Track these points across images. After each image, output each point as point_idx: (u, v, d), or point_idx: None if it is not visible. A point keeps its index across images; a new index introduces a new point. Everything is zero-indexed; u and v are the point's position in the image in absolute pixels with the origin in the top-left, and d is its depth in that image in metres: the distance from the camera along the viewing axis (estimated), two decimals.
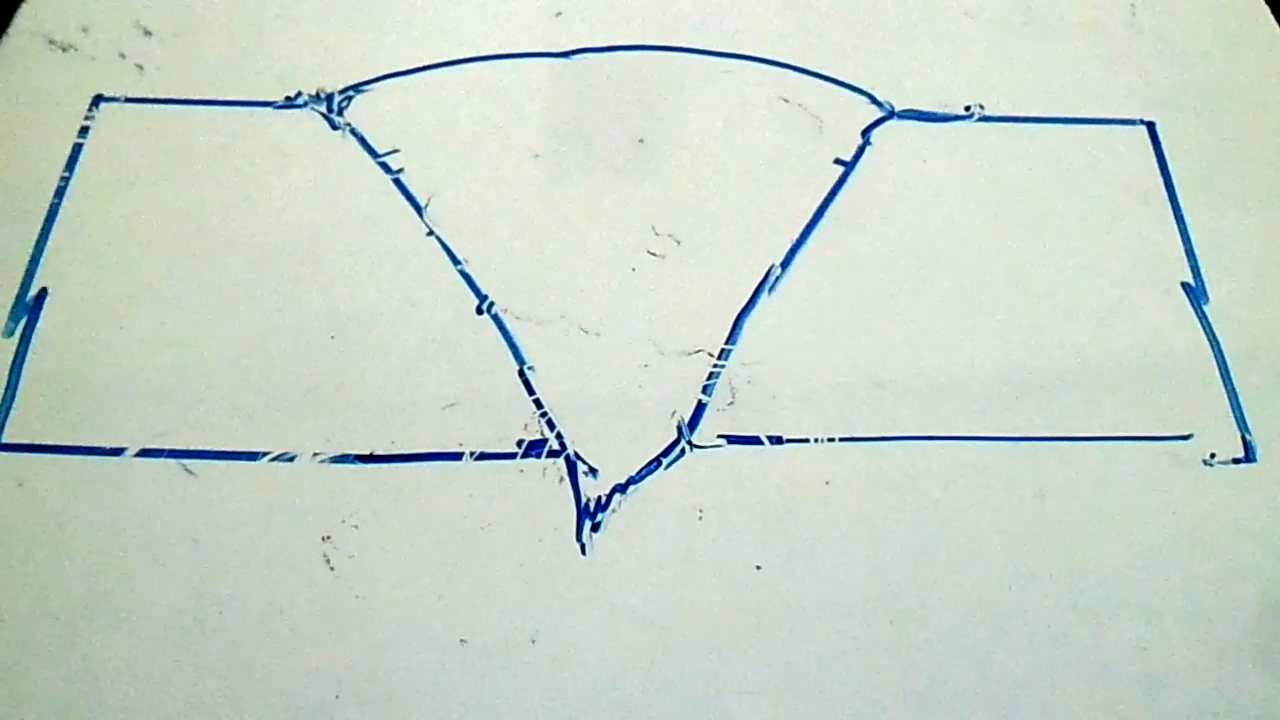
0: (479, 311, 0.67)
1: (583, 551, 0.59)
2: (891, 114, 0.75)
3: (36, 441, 0.61)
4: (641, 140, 0.74)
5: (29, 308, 0.65)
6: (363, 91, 0.75)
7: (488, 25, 0.78)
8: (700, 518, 0.61)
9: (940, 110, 0.76)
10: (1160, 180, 0.73)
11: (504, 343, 0.66)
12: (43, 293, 0.66)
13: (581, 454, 0.62)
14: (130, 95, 0.74)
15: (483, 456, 0.62)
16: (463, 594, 0.58)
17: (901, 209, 0.72)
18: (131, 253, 0.68)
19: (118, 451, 0.61)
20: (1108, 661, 0.57)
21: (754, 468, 0.62)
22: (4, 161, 0.71)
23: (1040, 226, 0.71)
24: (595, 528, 0.60)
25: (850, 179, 0.72)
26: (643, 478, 0.62)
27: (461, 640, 0.57)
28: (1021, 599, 0.59)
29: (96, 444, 0.61)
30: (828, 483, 0.62)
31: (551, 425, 0.63)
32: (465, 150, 0.73)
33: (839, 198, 0.72)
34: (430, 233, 0.69)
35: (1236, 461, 0.63)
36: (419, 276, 0.68)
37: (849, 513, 0.61)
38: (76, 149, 0.71)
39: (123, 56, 0.75)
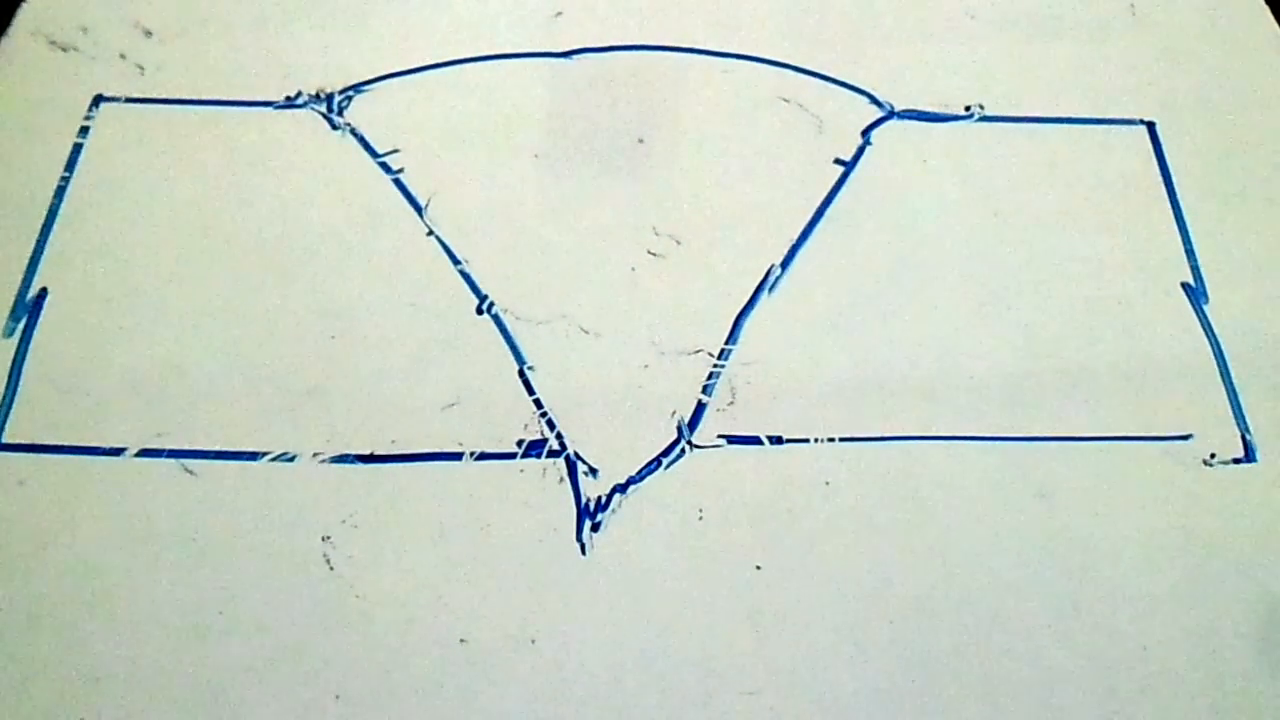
0: (479, 311, 0.67)
1: (583, 551, 0.59)
2: (891, 114, 0.75)
3: (36, 441, 0.61)
4: (641, 140, 0.74)
5: (29, 308, 0.65)
6: (363, 91, 0.75)
7: (488, 25, 0.78)
8: (700, 518, 0.61)
9: (940, 110, 0.76)
10: (1160, 180, 0.73)
11: (504, 343, 0.66)
12: (43, 293, 0.66)
13: (581, 454, 0.62)
14: (130, 95, 0.74)
15: (483, 456, 0.62)
16: (463, 594, 0.58)
17: (901, 209, 0.72)
18: (131, 253, 0.68)
19: (118, 451, 0.61)
20: (1108, 661, 0.57)
21: (754, 468, 0.62)
22: (4, 161, 0.71)
23: (1040, 226, 0.71)
24: (595, 528, 0.60)
25: (850, 179, 0.72)
26: (643, 478, 0.62)
27: (461, 640, 0.57)
28: (1021, 599, 0.59)
29: (96, 444, 0.61)
30: (828, 483, 0.62)
31: (551, 425, 0.63)
32: (465, 150, 0.73)
33: (839, 198, 0.72)
34: (430, 233, 0.69)
35: (1236, 461, 0.63)
36: (419, 276, 0.68)
37: (849, 513, 0.61)
38: (76, 149, 0.71)
39: (123, 56, 0.75)
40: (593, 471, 0.62)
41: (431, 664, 0.56)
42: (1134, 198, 0.73)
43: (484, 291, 0.67)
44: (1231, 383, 0.66)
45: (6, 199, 0.69)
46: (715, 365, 0.65)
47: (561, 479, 0.61)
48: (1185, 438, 0.64)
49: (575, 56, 0.77)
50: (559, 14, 0.79)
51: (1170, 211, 0.72)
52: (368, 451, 0.62)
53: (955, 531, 0.61)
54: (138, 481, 0.60)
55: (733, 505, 0.61)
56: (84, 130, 0.72)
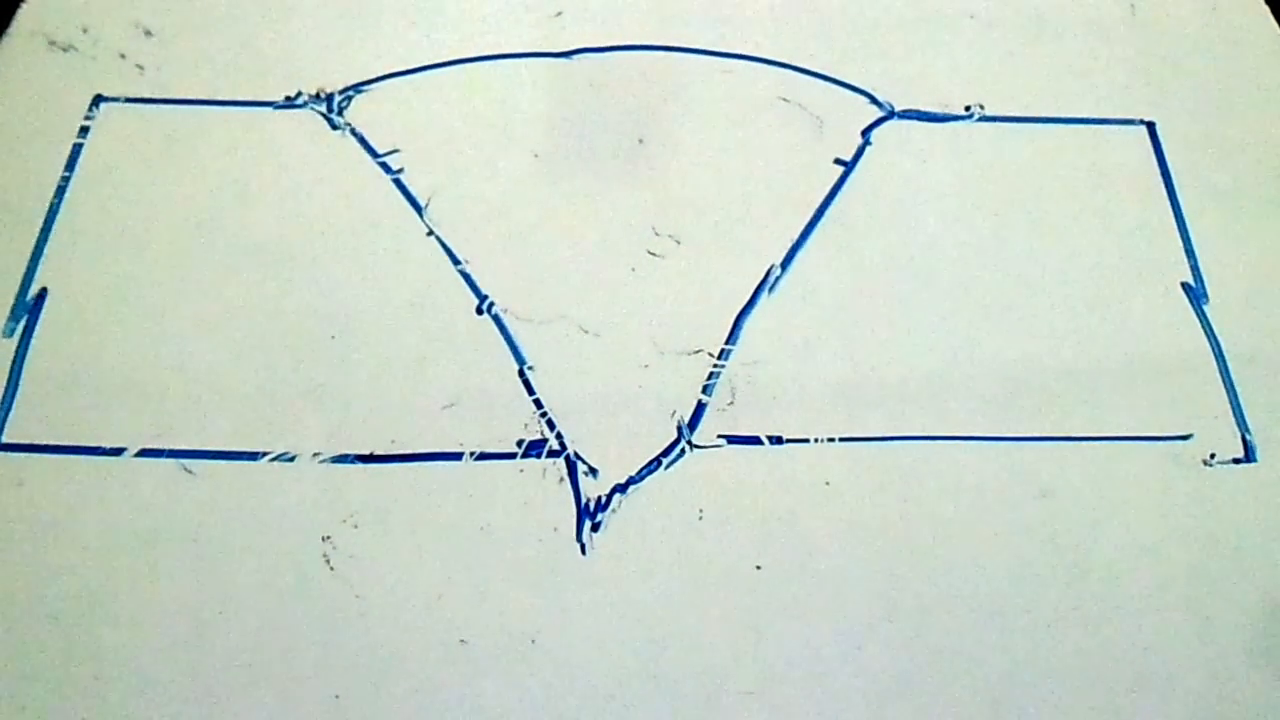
0: (479, 311, 0.67)
1: (583, 551, 0.59)
2: (891, 114, 0.75)
3: (36, 441, 0.61)
4: (641, 140, 0.74)
5: (29, 308, 0.65)
6: (363, 91, 0.75)
7: (488, 25, 0.78)
8: (700, 518, 0.61)
9: (940, 110, 0.76)
10: (1160, 180, 0.73)
11: (504, 343, 0.66)
12: (43, 293, 0.66)
13: (581, 454, 0.62)
14: (130, 95, 0.74)
15: (483, 456, 0.62)
16: (463, 594, 0.58)
17: (901, 209, 0.72)
18: (131, 253, 0.68)
19: (118, 451, 0.61)
20: (1108, 661, 0.57)
21: (754, 468, 0.62)
22: (4, 161, 0.71)
23: (1040, 226, 0.71)
24: (595, 528, 0.60)
25: (850, 179, 0.72)
26: (643, 478, 0.62)
27: (461, 640, 0.57)
28: (1022, 599, 0.59)
29: (96, 444, 0.61)
30: (828, 483, 0.62)
31: (551, 425, 0.63)
32: (465, 150, 0.73)
33: (839, 198, 0.72)
34: (430, 233, 0.69)
35: (1236, 461, 0.63)
36: (419, 276, 0.68)
37: (849, 513, 0.61)
38: (76, 149, 0.71)
39: (123, 56, 0.75)
40: (593, 471, 0.62)
41: (431, 664, 0.56)
42: (1134, 198, 0.73)
43: (484, 291, 0.67)
44: (1231, 383, 0.66)
45: (6, 199, 0.69)
46: (715, 365, 0.65)
47: (561, 479, 0.61)
48: (1185, 438, 0.64)
49: (575, 56, 0.77)
50: (559, 14, 0.79)
51: (1170, 211, 0.72)
52: (368, 451, 0.62)
53: (955, 531, 0.61)
54: (138, 481, 0.60)
55: (733, 505, 0.61)
56: (84, 130, 0.72)
